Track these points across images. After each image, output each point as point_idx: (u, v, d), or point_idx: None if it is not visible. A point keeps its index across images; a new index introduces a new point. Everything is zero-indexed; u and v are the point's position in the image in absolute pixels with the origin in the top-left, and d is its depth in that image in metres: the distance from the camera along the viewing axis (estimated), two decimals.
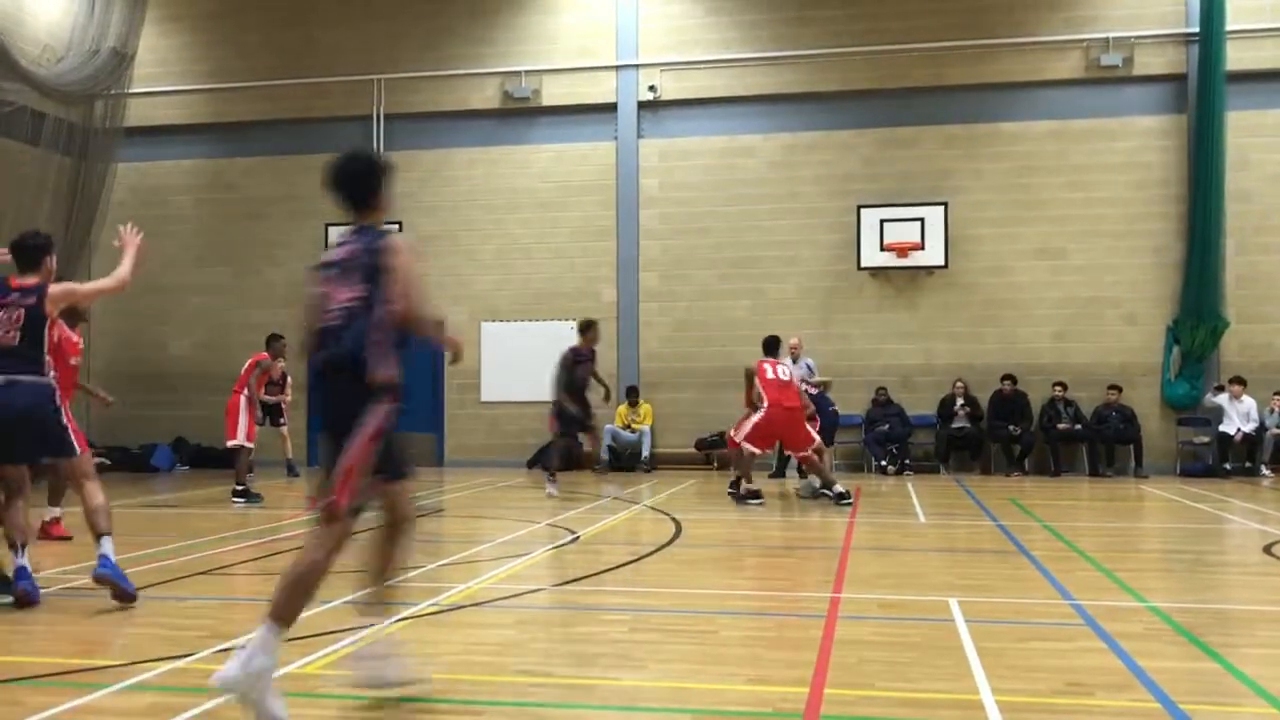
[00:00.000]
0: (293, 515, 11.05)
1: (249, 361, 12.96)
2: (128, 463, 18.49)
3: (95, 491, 6.47)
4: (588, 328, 13.72)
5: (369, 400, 4.20)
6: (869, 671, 4.85)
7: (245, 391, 12.65)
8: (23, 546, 6.28)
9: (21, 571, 6.21)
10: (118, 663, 4.90)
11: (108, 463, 18.34)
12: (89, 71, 17.84)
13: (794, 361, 16.05)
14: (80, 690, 4.45)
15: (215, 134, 19.73)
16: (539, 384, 18.02)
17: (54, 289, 6.55)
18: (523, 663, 5.00)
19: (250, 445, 12.61)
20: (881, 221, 17.21)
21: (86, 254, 18.55)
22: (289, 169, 19.29)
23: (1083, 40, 17.20)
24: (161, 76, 19.60)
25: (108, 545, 6.32)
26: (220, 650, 5.12)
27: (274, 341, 13.52)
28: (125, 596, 6.16)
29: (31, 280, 6.55)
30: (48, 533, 8.95)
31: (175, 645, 5.24)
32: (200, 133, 19.78)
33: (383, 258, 4.29)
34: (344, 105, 19.00)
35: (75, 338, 8.67)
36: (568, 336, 18.21)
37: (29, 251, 6.68)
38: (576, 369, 13.49)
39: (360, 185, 4.48)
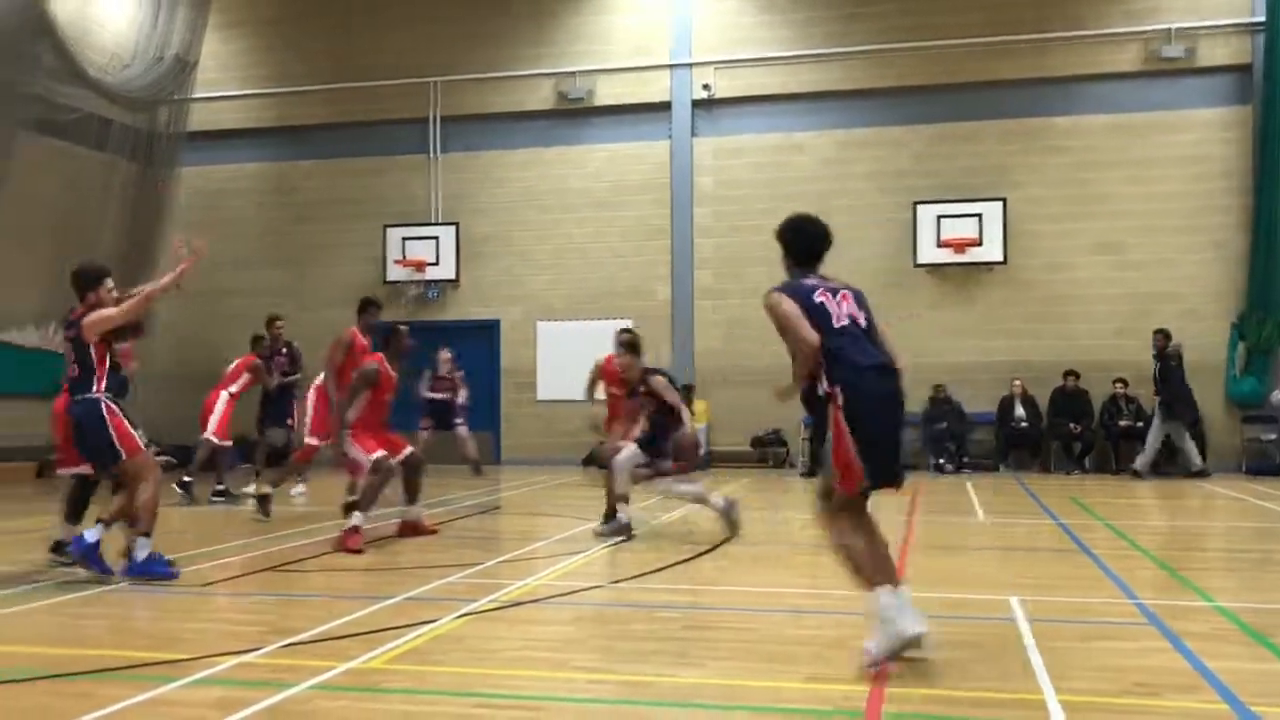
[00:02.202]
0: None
1: (240, 361, 12.65)
2: (191, 461, 18.76)
3: (141, 491, 6.99)
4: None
5: None
6: (930, 670, 4.81)
7: (232, 388, 12.32)
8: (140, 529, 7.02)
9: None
10: (186, 657, 4.99)
11: (174, 461, 18.67)
12: (153, 78, 18.20)
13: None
14: (151, 683, 4.55)
15: (275, 138, 20.03)
16: None
17: (88, 320, 7.09)
18: (581, 659, 5.03)
19: (227, 443, 12.24)
20: (939, 218, 17.04)
21: (152, 257, 18.91)
22: (348, 172, 19.55)
23: (1143, 32, 16.91)
24: (223, 81, 19.94)
25: (142, 544, 6.93)
26: (284, 645, 5.21)
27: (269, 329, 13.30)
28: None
29: (78, 311, 7.21)
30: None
31: (240, 640, 5.34)
32: (260, 137, 20.10)
33: None
34: (401, 108, 19.20)
35: (126, 346, 8.79)
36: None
37: (78, 281, 7.31)
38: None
39: None
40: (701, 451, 17.17)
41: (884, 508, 11.96)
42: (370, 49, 19.40)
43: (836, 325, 5.06)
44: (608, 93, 18.60)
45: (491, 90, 19.03)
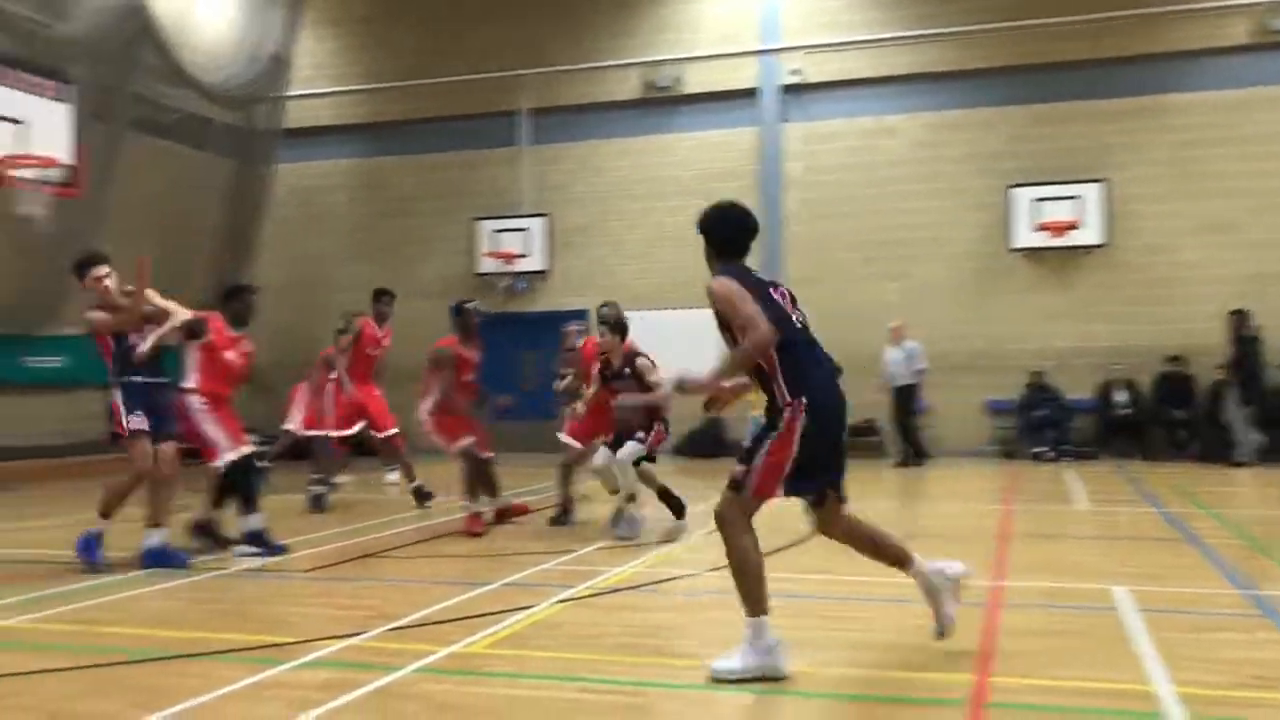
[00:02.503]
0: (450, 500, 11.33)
1: (321, 354, 12.51)
2: (293, 453, 19.22)
3: (125, 477, 7.37)
4: None
5: None
6: (1034, 660, 4.74)
7: (311, 380, 12.25)
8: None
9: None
10: (294, 640, 5.13)
11: (265, 451, 19.07)
12: (250, 77, 18.63)
13: (896, 346, 15.60)
14: (263, 665, 4.68)
15: (367, 133, 20.36)
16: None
17: (84, 314, 7.60)
18: (680, 646, 5.04)
19: (314, 434, 11.97)
20: (1035, 201, 16.66)
21: (251, 252, 19.41)
22: (438, 166, 19.80)
23: (1251, 4, 16.30)
24: (316, 79, 20.33)
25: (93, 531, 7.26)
26: (388, 629, 5.32)
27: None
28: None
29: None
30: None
31: (345, 624, 5.47)
32: (353, 133, 20.44)
33: None
34: (491, 102, 19.37)
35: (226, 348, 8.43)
36: (712, 324, 18.27)
37: (74, 269, 7.62)
38: None
39: None
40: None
41: (978, 496, 11.77)
42: (458, 44, 19.60)
43: (797, 323, 4.71)
44: (695, 80, 18.54)
45: (579, 81, 19.10)
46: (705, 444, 17.64)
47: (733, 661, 4.43)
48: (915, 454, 15.67)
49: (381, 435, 11.70)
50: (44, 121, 12.03)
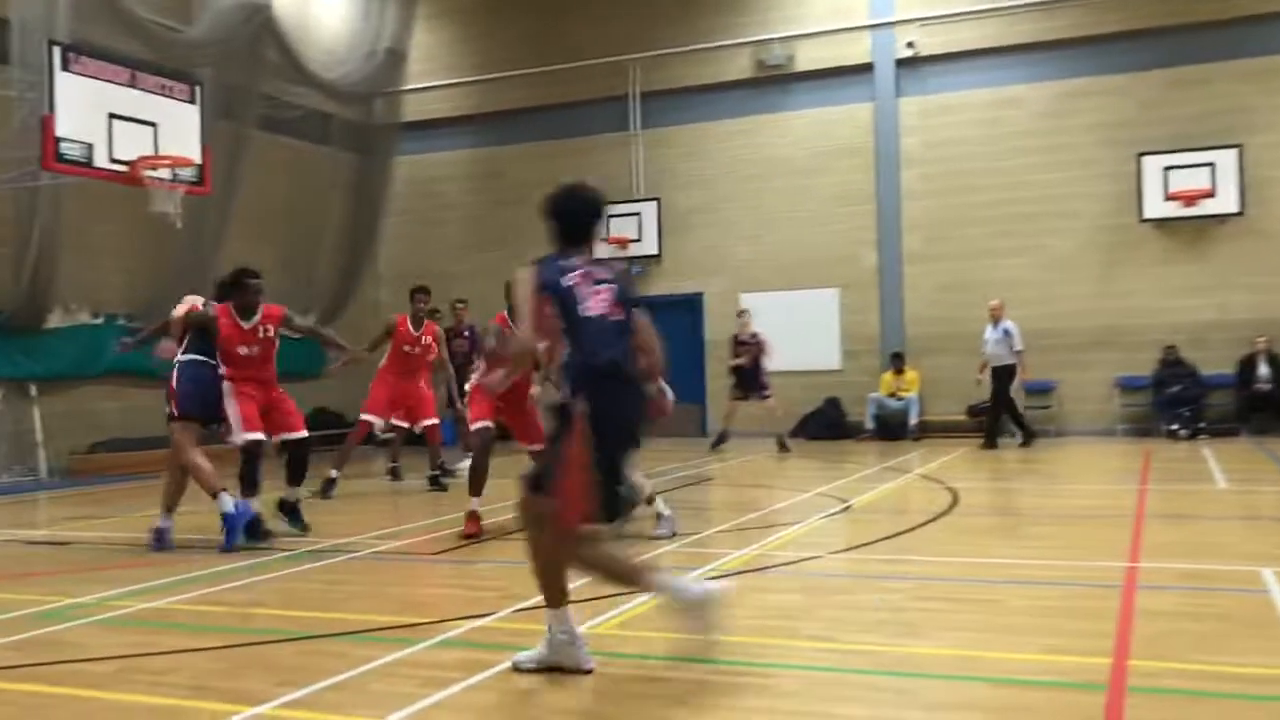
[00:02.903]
0: None
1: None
2: (417, 437, 19.65)
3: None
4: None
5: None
6: (1175, 644, 4.58)
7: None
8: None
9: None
10: (427, 620, 5.24)
11: (388, 438, 19.51)
12: (368, 72, 19.06)
13: (994, 325, 14.96)
14: (397, 645, 4.80)
15: (481, 124, 20.63)
16: (800, 353, 17.95)
17: None
18: (808, 628, 5.01)
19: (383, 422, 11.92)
20: (1165, 169, 16.03)
21: (373, 243, 19.88)
22: (551, 153, 19.94)
23: None
24: (431, 72, 20.67)
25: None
26: (517, 610, 5.40)
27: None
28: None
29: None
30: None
31: (476, 605, 5.57)
32: (467, 123, 20.73)
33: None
34: (602, 87, 19.44)
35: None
36: (829, 304, 18.11)
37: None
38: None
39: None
40: (912, 423, 16.85)
41: (1111, 476, 11.40)
42: (568, 31, 19.71)
43: (582, 313, 4.29)
44: (807, 57, 18.30)
45: (690, 63, 19.03)
46: (823, 426, 17.49)
47: (531, 651, 4.36)
48: (1025, 435, 15.18)
49: (420, 426, 11.92)
50: (175, 122, 12.50)
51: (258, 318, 8.11)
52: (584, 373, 4.23)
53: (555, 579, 4.31)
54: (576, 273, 4.37)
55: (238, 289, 8.10)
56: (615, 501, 4.24)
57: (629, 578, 4.37)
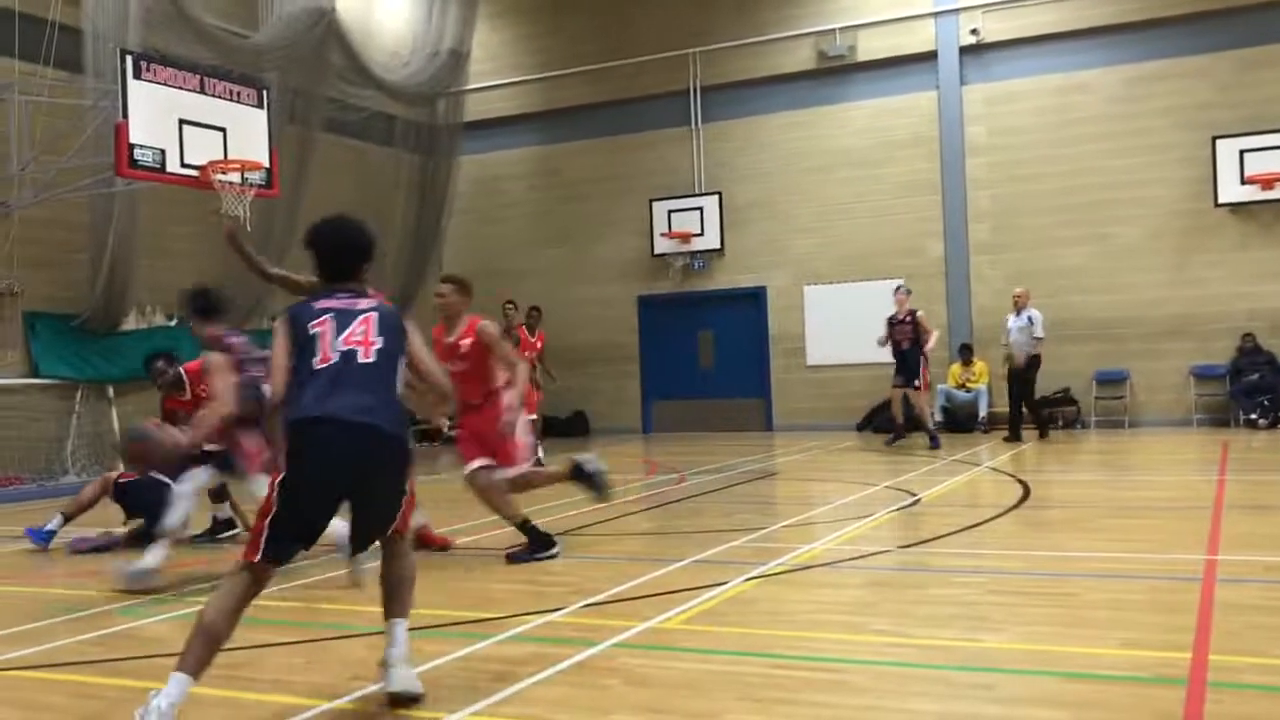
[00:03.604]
0: (639, 478, 11.48)
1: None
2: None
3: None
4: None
5: None
6: (1258, 638, 4.47)
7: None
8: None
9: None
10: (497, 615, 5.29)
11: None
12: (431, 73, 19.22)
13: (1017, 313, 14.51)
14: (468, 640, 4.85)
15: (542, 121, 20.71)
16: (865, 346, 17.80)
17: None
18: (877, 623, 4.96)
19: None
20: (1241, 152, 15.62)
21: (437, 243, 20.07)
22: (611, 149, 19.99)
23: None
24: (493, 71, 20.80)
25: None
26: (585, 605, 5.42)
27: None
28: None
29: None
30: None
31: (545, 600, 5.61)
32: (529, 121, 20.83)
33: None
34: (661, 82, 19.42)
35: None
36: (884, 295, 17.88)
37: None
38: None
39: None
40: (982, 415, 16.59)
41: (1187, 467, 11.15)
42: (628, 26, 19.72)
43: (317, 365, 3.96)
44: (869, 47, 18.12)
45: (750, 55, 18.94)
46: (887, 419, 17.28)
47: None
48: (1041, 428, 14.77)
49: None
50: (243, 127, 12.71)
51: None
52: (293, 415, 3.93)
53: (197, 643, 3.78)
54: (327, 316, 4.07)
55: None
56: (286, 549, 3.95)
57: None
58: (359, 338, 4.04)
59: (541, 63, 20.53)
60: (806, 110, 18.60)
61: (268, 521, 3.83)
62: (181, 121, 12.00)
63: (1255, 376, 15.38)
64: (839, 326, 18.14)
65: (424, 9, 19.40)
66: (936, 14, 17.63)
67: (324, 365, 3.96)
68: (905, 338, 14.25)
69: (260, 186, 12.81)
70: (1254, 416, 15.19)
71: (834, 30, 18.17)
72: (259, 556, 3.85)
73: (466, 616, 5.32)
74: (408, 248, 19.36)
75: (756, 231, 18.91)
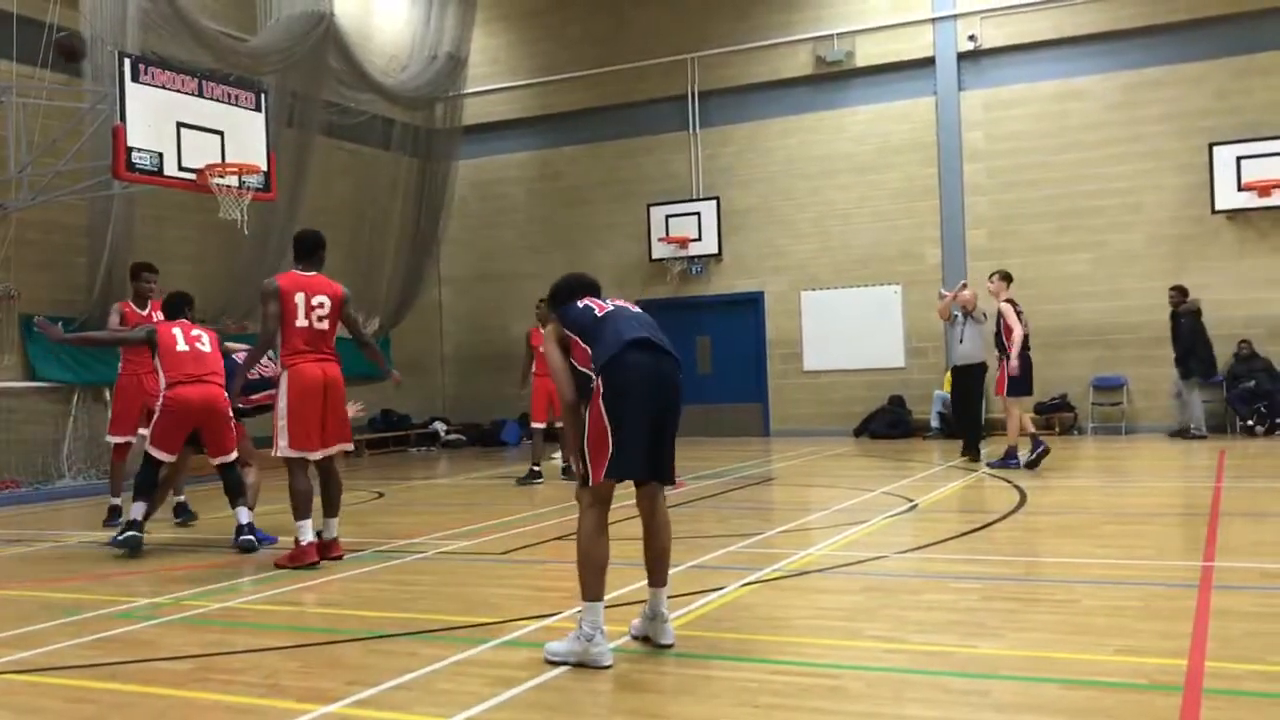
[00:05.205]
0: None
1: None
2: (480, 439, 19.90)
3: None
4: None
5: None
6: (1255, 645, 4.46)
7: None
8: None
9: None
10: (494, 620, 5.28)
11: (463, 439, 19.80)
12: (429, 76, 19.23)
13: (964, 316, 12.70)
14: (465, 644, 4.84)
15: (542, 126, 20.72)
16: (863, 351, 17.85)
17: None
18: (874, 629, 4.96)
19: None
20: (1238, 159, 15.64)
21: (436, 246, 20.08)
22: (610, 154, 20.01)
23: None
24: (491, 75, 20.81)
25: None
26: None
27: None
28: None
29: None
30: None
31: (542, 605, 5.60)
32: (528, 125, 20.84)
33: None
34: (660, 87, 19.44)
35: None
36: (891, 301, 17.92)
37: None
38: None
39: None
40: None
41: (1183, 473, 11.13)
42: (627, 31, 19.74)
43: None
44: (867, 53, 18.14)
45: (748, 61, 18.96)
46: (886, 424, 17.32)
47: (560, 644, 4.51)
48: (968, 446, 12.75)
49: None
50: (241, 130, 12.71)
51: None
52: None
53: (587, 572, 4.56)
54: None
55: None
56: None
57: None
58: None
59: (540, 67, 20.54)
60: (805, 116, 18.62)
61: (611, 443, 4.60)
62: (179, 125, 11.99)
63: (1252, 383, 15.39)
64: (836, 332, 18.16)
65: (422, 13, 19.41)
66: (935, 20, 17.67)
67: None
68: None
69: (258, 190, 12.81)
70: (1251, 423, 15.21)
71: (832, 36, 18.20)
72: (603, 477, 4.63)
73: (463, 621, 5.31)
74: (406, 251, 19.36)
75: (754, 237, 18.92)
